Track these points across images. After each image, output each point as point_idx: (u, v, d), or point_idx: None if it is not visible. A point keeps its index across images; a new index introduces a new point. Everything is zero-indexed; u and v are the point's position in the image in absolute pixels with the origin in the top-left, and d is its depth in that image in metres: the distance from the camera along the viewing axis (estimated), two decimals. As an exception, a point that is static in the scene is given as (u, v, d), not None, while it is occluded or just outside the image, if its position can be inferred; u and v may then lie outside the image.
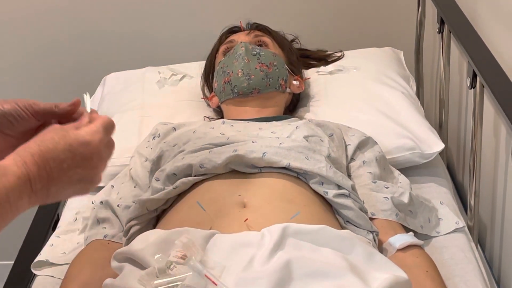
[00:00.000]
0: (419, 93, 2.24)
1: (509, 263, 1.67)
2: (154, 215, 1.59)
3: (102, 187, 1.86)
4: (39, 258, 1.70)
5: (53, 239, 1.80)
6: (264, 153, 1.55)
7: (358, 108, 1.98)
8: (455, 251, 1.65)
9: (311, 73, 2.11)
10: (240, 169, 1.56)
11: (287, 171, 1.55)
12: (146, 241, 1.37)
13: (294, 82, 1.97)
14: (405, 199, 1.66)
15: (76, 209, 1.89)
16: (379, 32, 2.51)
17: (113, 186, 1.74)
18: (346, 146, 1.73)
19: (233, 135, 1.66)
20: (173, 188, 1.55)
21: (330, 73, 2.14)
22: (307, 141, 1.62)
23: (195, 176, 1.56)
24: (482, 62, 1.68)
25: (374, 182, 1.66)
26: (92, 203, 1.75)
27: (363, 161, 1.72)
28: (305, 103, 2.04)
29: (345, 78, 2.11)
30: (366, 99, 2.03)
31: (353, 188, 1.59)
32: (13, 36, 2.64)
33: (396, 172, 1.79)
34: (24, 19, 2.61)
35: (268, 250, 1.27)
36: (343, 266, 1.26)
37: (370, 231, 1.52)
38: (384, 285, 1.22)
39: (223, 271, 1.27)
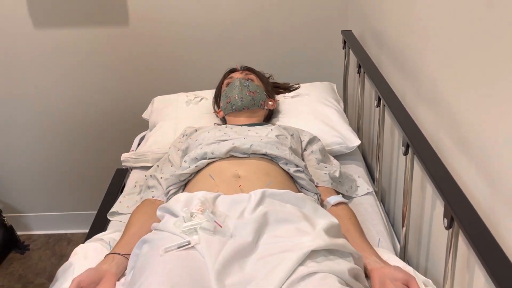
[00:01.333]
0: (345, 110, 2.26)
1: (399, 212, 1.70)
2: (183, 184, 1.61)
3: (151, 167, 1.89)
4: (112, 210, 1.77)
5: (120, 198, 1.85)
6: (251, 145, 1.60)
7: (308, 119, 2.01)
8: (366, 206, 1.74)
9: (280, 97, 2.15)
10: (236, 155, 1.60)
11: (265, 156, 1.60)
12: (178, 200, 1.41)
13: (270, 103, 2.00)
14: (337, 174, 1.74)
15: (135, 179, 1.93)
16: (321, 73, 2.47)
17: (158, 166, 1.76)
18: (301, 142, 1.78)
19: (232, 134, 1.70)
20: (195, 166, 1.58)
21: (292, 97, 2.17)
22: (277, 138, 1.68)
23: (208, 159, 1.60)
24: (385, 91, 1.68)
25: (318, 164, 1.74)
26: (145, 176, 1.80)
27: (311, 151, 1.77)
28: (276, 115, 2.06)
29: (301, 101, 2.14)
30: (313, 113, 2.06)
31: (305, 167, 1.63)
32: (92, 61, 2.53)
33: (332, 158, 1.86)
34: (101, 58, 2.52)
35: (253, 205, 1.34)
36: (299, 215, 1.33)
37: (315, 193, 1.58)
38: (323, 227, 1.27)
39: (225, 218, 1.33)
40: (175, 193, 1.56)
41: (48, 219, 2.84)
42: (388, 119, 1.79)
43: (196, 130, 1.80)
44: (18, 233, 2.78)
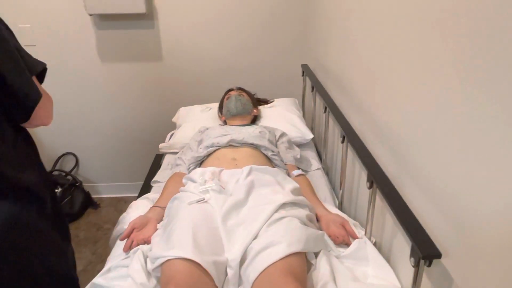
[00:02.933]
0: (304, 115, 2.21)
1: (337, 180, 1.63)
2: (199, 163, 1.59)
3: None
4: (153, 179, 1.75)
5: (159, 172, 1.82)
6: (243, 138, 1.58)
7: (280, 121, 1.95)
8: (317, 177, 1.70)
9: (261, 108, 2.10)
10: (233, 144, 1.57)
11: (252, 146, 1.58)
12: (196, 172, 1.41)
13: (255, 111, 1.95)
14: (298, 156, 1.72)
15: (168, 160, 1.90)
16: (288, 92, 2.45)
17: (182, 151, 1.72)
18: (275, 136, 1.75)
19: (230, 131, 1.67)
20: (207, 152, 1.57)
21: (269, 107, 2.13)
22: (260, 133, 1.65)
23: (215, 147, 1.57)
24: (329, 103, 1.67)
25: (286, 150, 1.71)
26: (174, 158, 1.75)
27: (282, 141, 1.74)
28: (259, 119, 2.00)
29: (275, 109, 2.10)
30: (283, 117, 2.01)
31: (278, 152, 1.62)
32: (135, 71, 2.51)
33: (295, 146, 1.81)
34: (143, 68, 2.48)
35: (244, 175, 1.34)
36: (274, 182, 1.33)
37: (284, 169, 1.56)
38: (290, 188, 1.30)
39: (227, 184, 1.33)
40: (193, 169, 1.54)
41: (112, 187, 2.86)
42: (331, 121, 1.78)
43: (207, 128, 1.78)
44: (92, 196, 2.79)
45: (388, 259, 1.14)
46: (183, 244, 1.06)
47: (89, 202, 2.73)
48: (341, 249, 1.19)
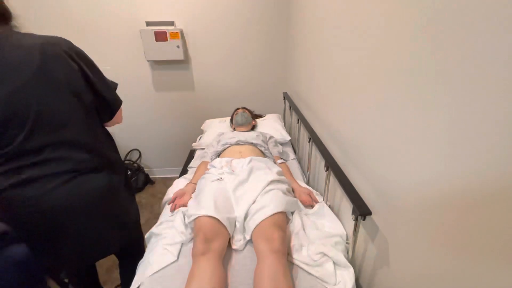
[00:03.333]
0: (285, 125, 2.14)
1: (305, 166, 1.54)
2: (218, 155, 1.52)
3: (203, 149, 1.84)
4: (189, 165, 1.70)
5: (192, 161, 1.75)
6: (246, 138, 1.56)
7: (269, 128, 1.87)
8: (293, 164, 1.65)
9: (258, 120, 2.01)
10: (240, 143, 1.52)
11: (252, 144, 1.52)
12: (216, 161, 1.38)
13: (253, 122, 1.87)
14: (281, 150, 1.66)
15: (198, 154, 1.82)
16: (274, 109, 2.40)
17: (207, 148, 1.63)
18: (266, 137, 1.67)
19: (238, 135, 1.59)
20: (223, 148, 1.54)
21: (262, 119, 2.04)
22: (257, 136, 1.62)
23: (228, 145, 1.55)
24: (301, 117, 1.58)
25: (273, 147, 1.64)
26: (202, 152, 1.70)
27: (270, 141, 1.66)
28: (256, 127, 1.89)
29: (266, 121, 2.00)
30: (269, 126, 1.92)
31: (268, 148, 1.59)
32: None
33: (279, 144, 1.73)
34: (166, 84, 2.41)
35: (246, 163, 1.30)
36: (266, 167, 1.29)
37: (272, 158, 1.54)
38: (276, 171, 1.26)
39: (235, 169, 1.30)
40: (214, 159, 1.51)
41: (163, 171, 2.79)
42: (302, 128, 1.70)
43: (223, 133, 1.71)
44: (150, 176, 2.75)
45: (338, 216, 1.12)
46: (208, 206, 1.05)
47: (148, 180, 2.70)
48: (308, 209, 1.19)
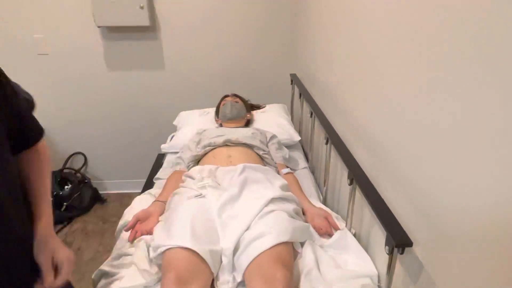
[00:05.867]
0: (292, 119, 2.20)
1: (322, 178, 1.60)
2: (197, 161, 1.58)
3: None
4: (155, 176, 1.73)
5: (160, 170, 1.80)
6: (237, 138, 1.58)
7: (270, 124, 1.92)
8: (304, 175, 1.69)
9: (254, 112, 2.07)
10: (229, 144, 1.57)
11: (245, 145, 1.57)
12: (194, 170, 1.41)
13: (248, 115, 1.93)
14: (287, 156, 1.72)
15: (168, 160, 1.87)
16: (278, 98, 2.44)
17: (182, 151, 1.66)
18: (266, 137, 1.72)
19: (226, 132, 1.65)
20: (204, 151, 1.57)
21: (261, 112, 2.11)
22: (252, 134, 1.64)
23: (212, 146, 1.57)
24: (315, 108, 1.65)
25: (276, 150, 1.67)
26: (174, 158, 1.71)
27: (272, 143, 1.70)
28: (252, 122, 1.98)
29: (266, 114, 2.07)
30: (273, 121, 1.97)
31: (268, 152, 1.62)
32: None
33: (284, 147, 1.77)
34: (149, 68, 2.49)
35: (238, 173, 1.34)
36: (264, 179, 1.33)
37: (274, 167, 1.57)
38: (279, 185, 1.30)
39: (222, 180, 1.33)
40: (192, 167, 1.54)
41: (118, 184, 2.85)
42: (317, 125, 1.76)
43: (204, 130, 1.76)
44: (100, 192, 2.78)
45: (366, 248, 1.15)
46: (182, 234, 1.06)
47: (97, 198, 2.71)
48: (324, 240, 1.21)
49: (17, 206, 0.75)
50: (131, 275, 1.08)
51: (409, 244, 0.82)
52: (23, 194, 0.79)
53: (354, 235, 1.21)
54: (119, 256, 1.17)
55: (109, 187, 2.84)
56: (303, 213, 1.31)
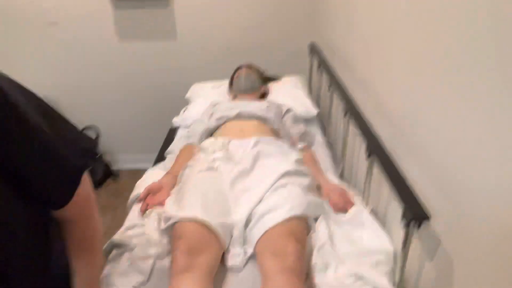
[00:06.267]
0: (310, 92, 2.21)
1: (339, 153, 1.63)
2: (209, 134, 1.60)
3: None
4: (167, 150, 1.76)
5: (171, 144, 1.81)
6: (250, 111, 1.59)
7: (286, 97, 1.90)
8: (321, 150, 1.68)
9: (270, 84, 2.06)
10: (242, 117, 1.58)
11: (259, 118, 1.57)
12: (206, 142, 1.44)
13: (263, 87, 1.93)
14: (303, 130, 1.67)
15: (180, 134, 1.90)
16: (296, 69, 2.42)
17: (194, 124, 1.69)
18: (282, 111, 1.71)
19: (239, 105, 1.66)
20: (217, 124, 1.59)
21: (277, 84, 2.08)
22: (267, 108, 1.64)
23: (225, 119, 1.59)
24: (333, 81, 1.63)
25: (291, 124, 1.66)
26: (187, 131, 1.75)
27: (288, 116, 1.70)
28: (267, 95, 1.97)
29: (282, 87, 2.06)
30: (290, 94, 1.97)
31: (283, 126, 1.62)
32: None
33: (300, 121, 1.75)
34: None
35: (251, 146, 1.37)
36: (278, 152, 1.35)
37: (289, 141, 1.56)
38: (293, 159, 1.30)
39: (234, 153, 1.35)
40: (204, 140, 1.55)
41: (130, 159, 2.93)
42: (335, 97, 1.76)
43: (217, 103, 1.78)
44: (112, 167, 2.88)
45: (382, 226, 1.15)
46: (194, 206, 1.10)
47: (109, 173, 2.79)
48: (339, 216, 1.22)
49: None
50: (142, 246, 1.13)
51: (427, 217, 0.83)
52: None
53: (371, 212, 1.22)
54: (131, 227, 1.22)
55: (121, 163, 2.92)
56: (319, 189, 1.32)
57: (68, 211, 0.62)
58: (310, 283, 1.00)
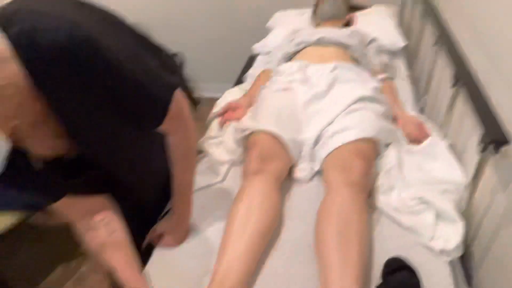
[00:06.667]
0: (400, 23, 2.06)
1: (422, 90, 1.62)
2: (288, 59, 1.58)
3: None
4: (245, 75, 1.85)
5: (251, 69, 1.87)
6: (332, 37, 1.54)
7: (374, 27, 1.80)
8: (403, 85, 1.62)
9: (356, 13, 1.91)
10: (323, 43, 1.54)
11: (340, 45, 1.52)
12: (284, 66, 1.46)
13: (347, 16, 1.82)
14: (386, 61, 1.63)
15: (260, 59, 1.96)
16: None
17: (274, 50, 1.69)
18: (365, 40, 1.62)
19: (321, 31, 1.59)
20: (296, 48, 1.58)
21: (364, 13, 1.97)
22: (349, 34, 1.57)
23: (305, 44, 1.56)
24: (428, 9, 1.56)
25: (374, 55, 1.57)
26: (266, 57, 1.76)
27: (371, 46, 1.60)
28: (352, 24, 1.83)
29: (370, 16, 1.95)
30: (375, 23, 1.87)
31: (365, 54, 1.54)
32: None
33: (384, 52, 1.70)
34: None
35: (329, 70, 1.35)
36: (356, 80, 1.32)
37: (369, 71, 1.48)
38: (371, 86, 1.29)
39: (311, 76, 1.35)
40: (282, 64, 1.54)
41: (211, 87, 3.04)
42: (428, 26, 1.64)
43: (299, 30, 1.74)
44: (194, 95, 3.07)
45: (458, 160, 1.12)
46: (268, 120, 1.19)
47: (190, 100, 2.99)
48: (412, 146, 1.21)
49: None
50: (219, 153, 1.29)
51: (506, 141, 0.81)
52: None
53: (448, 146, 1.19)
54: (210, 138, 1.36)
55: (202, 90, 3.07)
56: (394, 121, 1.31)
57: (164, 128, 0.75)
58: (372, 202, 1.06)
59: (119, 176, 0.81)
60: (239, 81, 1.86)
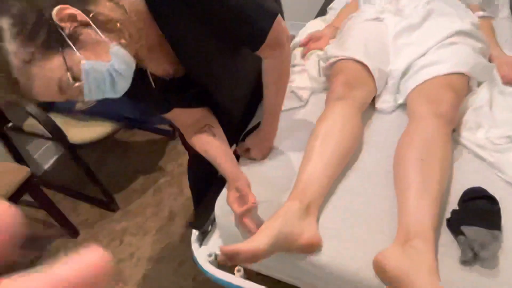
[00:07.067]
0: None
1: None
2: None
3: None
4: (329, 7, 1.78)
5: (333, 2, 1.80)
6: None
7: None
8: (504, 25, 1.49)
9: None
10: None
11: None
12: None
13: None
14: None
15: None
16: None
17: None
18: None
19: None
20: None
21: None
22: None
23: None
24: None
25: None
26: None
27: None
28: None
29: None
30: None
31: None
32: None
33: None
34: None
35: (425, 2, 1.28)
36: (454, 14, 1.25)
37: (467, 6, 1.35)
38: (469, 21, 1.21)
39: (405, 7, 1.30)
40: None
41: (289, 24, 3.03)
42: None
43: None
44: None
45: None
46: (355, 48, 1.20)
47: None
48: (506, 87, 1.17)
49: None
50: (301, 80, 1.33)
51: None
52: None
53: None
54: (292, 66, 1.40)
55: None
56: (491, 61, 1.23)
57: (260, 53, 0.82)
58: (457, 136, 1.06)
59: (215, 93, 0.93)
60: (322, 11, 1.83)
